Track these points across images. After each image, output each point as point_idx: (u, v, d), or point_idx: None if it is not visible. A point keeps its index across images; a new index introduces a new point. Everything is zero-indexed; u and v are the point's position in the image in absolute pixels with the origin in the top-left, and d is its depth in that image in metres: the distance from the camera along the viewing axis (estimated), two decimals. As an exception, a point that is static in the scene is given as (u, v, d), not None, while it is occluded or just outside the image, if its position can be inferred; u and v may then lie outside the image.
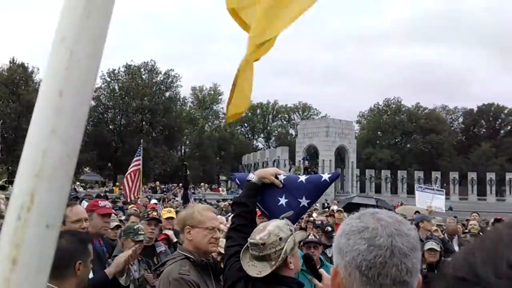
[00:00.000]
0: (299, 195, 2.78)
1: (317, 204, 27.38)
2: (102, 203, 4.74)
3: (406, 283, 1.12)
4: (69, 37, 0.67)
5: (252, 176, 2.89)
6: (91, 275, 3.62)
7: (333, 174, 2.96)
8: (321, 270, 2.51)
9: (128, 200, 15.10)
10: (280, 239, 2.45)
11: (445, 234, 9.94)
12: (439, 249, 6.47)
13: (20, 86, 47.61)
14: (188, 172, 21.48)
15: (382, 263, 1.11)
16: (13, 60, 49.18)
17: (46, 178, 0.63)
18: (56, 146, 0.63)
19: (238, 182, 3.17)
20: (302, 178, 2.87)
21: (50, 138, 0.63)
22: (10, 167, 46.77)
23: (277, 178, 2.86)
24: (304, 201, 2.78)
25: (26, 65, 49.36)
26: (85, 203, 10.07)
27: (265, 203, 2.89)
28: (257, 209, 2.93)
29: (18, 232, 0.61)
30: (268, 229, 2.49)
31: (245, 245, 2.54)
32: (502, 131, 71.29)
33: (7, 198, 11.03)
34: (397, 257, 1.12)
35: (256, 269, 2.45)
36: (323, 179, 2.84)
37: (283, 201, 2.80)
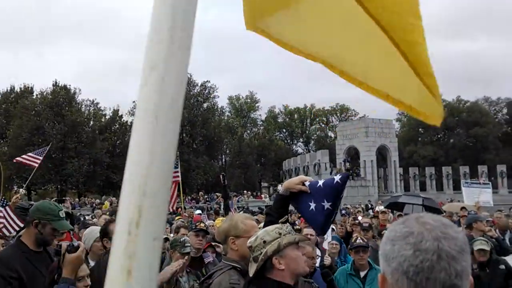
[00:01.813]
0: (321, 199, 2.90)
1: (363, 206, 27.05)
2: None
3: (456, 287, 1.10)
4: (160, 64, 0.74)
5: (279, 188, 3.07)
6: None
7: (343, 174, 3.02)
8: None
9: (170, 210, 15.43)
10: (264, 242, 2.64)
11: (497, 231, 9.61)
12: (488, 248, 6.30)
13: (64, 108, 48.86)
14: (226, 183, 21.66)
15: (430, 267, 1.09)
16: (56, 83, 50.72)
17: (150, 195, 0.70)
18: (156, 165, 0.71)
19: None
20: (320, 182, 2.97)
21: (151, 159, 0.71)
22: (59, 186, 48.11)
23: (304, 185, 2.98)
24: (326, 204, 2.89)
25: (68, 86, 50.83)
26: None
27: (301, 210, 3.04)
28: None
29: (130, 246, 0.68)
30: (257, 234, 2.72)
31: None
32: (549, 119, 68.31)
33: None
34: (445, 261, 1.09)
35: (251, 270, 2.66)
36: (335, 181, 2.93)
37: (312, 205, 2.92)
